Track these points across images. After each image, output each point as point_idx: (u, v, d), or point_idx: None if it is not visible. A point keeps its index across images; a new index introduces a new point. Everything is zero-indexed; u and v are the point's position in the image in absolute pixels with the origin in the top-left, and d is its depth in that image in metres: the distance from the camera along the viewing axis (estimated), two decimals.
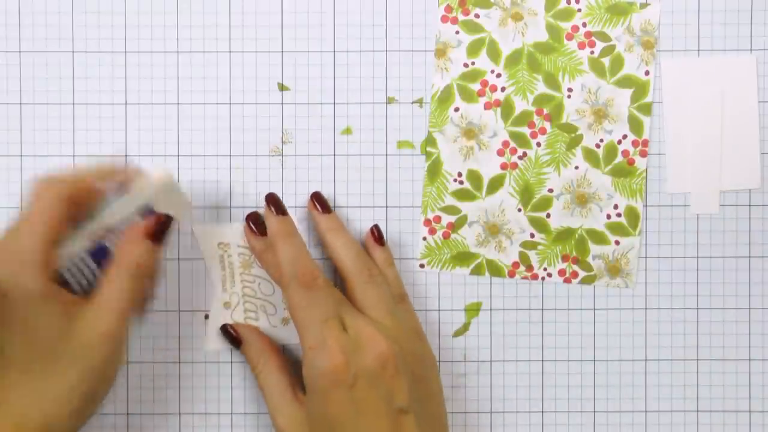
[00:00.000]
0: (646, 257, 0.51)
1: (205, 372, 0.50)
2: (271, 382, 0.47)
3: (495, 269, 0.51)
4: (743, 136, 0.51)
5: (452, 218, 0.50)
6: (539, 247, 0.50)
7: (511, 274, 0.51)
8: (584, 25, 0.50)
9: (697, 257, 0.51)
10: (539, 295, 0.51)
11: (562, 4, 0.50)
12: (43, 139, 0.50)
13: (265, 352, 0.48)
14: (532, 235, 0.50)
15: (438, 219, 0.50)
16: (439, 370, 0.51)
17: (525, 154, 0.50)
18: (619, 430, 0.51)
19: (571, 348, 0.51)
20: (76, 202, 0.43)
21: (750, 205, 0.51)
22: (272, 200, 0.48)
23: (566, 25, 0.50)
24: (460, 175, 0.50)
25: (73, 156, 0.50)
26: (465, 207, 0.50)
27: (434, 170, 0.50)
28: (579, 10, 0.50)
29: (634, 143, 0.50)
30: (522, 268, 0.51)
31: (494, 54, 0.50)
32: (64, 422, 0.41)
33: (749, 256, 0.51)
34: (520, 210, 0.50)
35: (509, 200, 0.50)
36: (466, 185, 0.50)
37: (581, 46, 0.50)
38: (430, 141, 0.50)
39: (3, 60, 0.50)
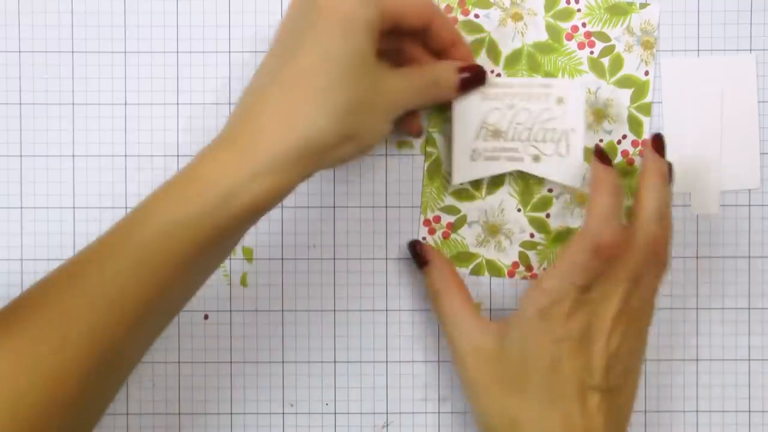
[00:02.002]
0: None
1: (205, 372, 0.50)
2: (457, 306, 0.47)
3: (494, 269, 0.51)
4: (743, 136, 0.51)
5: (452, 218, 0.50)
6: (539, 247, 0.50)
7: (511, 274, 0.51)
8: (584, 25, 0.50)
9: (697, 257, 0.51)
10: None
11: (562, 5, 0.50)
12: (43, 139, 0.50)
13: (451, 275, 0.48)
14: (532, 235, 0.50)
15: (437, 219, 0.50)
16: (438, 370, 0.51)
17: None
18: None
19: None
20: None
21: (750, 205, 0.51)
22: (599, 152, 0.46)
23: (566, 26, 0.50)
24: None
25: (73, 156, 0.50)
26: (464, 207, 0.50)
27: (434, 170, 0.50)
28: (579, 10, 0.50)
29: (634, 143, 0.50)
30: (522, 268, 0.51)
31: (494, 54, 0.50)
32: (323, 141, 0.40)
33: (749, 256, 0.51)
34: (519, 210, 0.50)
35: (509, 200, 0.50)
36: (466, 185, 0.50)
37: (581, 46, 0.50)
38: (429, 141, 0.50)
39: (3, 60, 0.50)
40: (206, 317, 0.50)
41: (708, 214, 0.51)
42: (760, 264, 0.51)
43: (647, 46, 0.50)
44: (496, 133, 0.48)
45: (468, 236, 0.51)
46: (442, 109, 0.50)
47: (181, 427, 0.50)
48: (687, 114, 0.51)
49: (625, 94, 0.50)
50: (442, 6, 0.50)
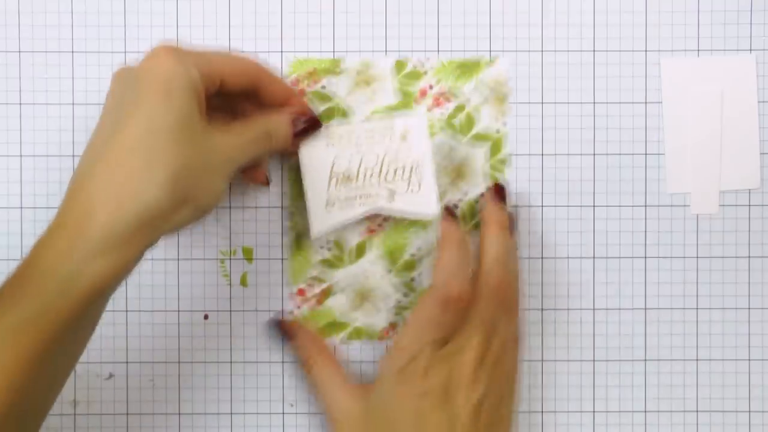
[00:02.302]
0: (645, 257, 0.51)
1: (205, 372, 0.50)
2: (325, 376, 0.48)
3: (367, 334, 0.50)
4: (743, 136, 0.51)
5: (321, 287, 0.50)
6: (410, 309, 0.50)
7: (384, 338, 0.50)
8: (433, 86, 0.50)
9: (697, 257, 0.51)
10: (538, 294, 0.51)
11: (410, 67, 0.50)
12: (43, 139, 0.50)
13: (316, 347, 0.49)
14: (402, 298, 0.50)
15: (307, 289, 0.50)
16: None
17: (387, 217, 0.50)
18: (618, 430, 0.51)
19: (570, 348, 0.51)
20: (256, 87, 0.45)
21: (750, 205, 0.51)
22: (447, 209, 0.48)
23: (416, 88, 0.50)
24: (326, 243, 0.50)
25: (73, 156, 0.50)
26: (333, 275, 0.50)
27: (298, 243, 0.50)
28: (427, 71, 0.50)
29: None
30: (394, 331, 0.50)
31: (346, 122, 0.50)
32: (158, 211, 0.40)
33: (749, 256, 0.51)
34: (387, 273, 0.50)
35: (376, 265, 0.50)
36: (332, 253, 0.50)
37: (432, 107, 0.50)
38: (291, 215, 0.50)
39: (3, 60, 0.50)
40: (206, 317, 0.50)
41: (708, 214, 0.51)
42: (760, 264, 0.51)
43: (499, 101, 0.50)
44: (348, 179, 0.48)
45: (339, 304, 0.50)
46: (298, 182, 0.50)
47: (181, 427, 0.50)
48: (687, 114, 0.51)
49: (480, 151, 0.50)
50: (291, 78, 0.50)
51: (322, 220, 0.48)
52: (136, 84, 0.41)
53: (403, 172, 0.48)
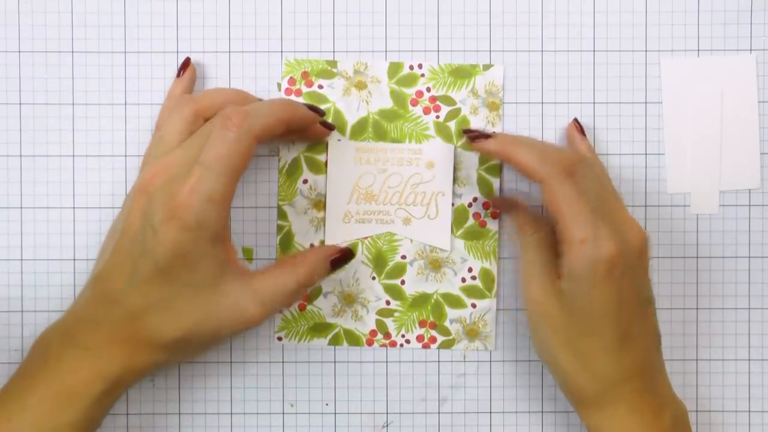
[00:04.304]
0: None
1: (204, 372, 0.50)
2: (538, 254, 0.46)
3: (353, 339, 0.50)
4: (743, 136, 0.51)
5: (307, 290, 0.50)
6: (396, 314, 0.50)
7: (369, 343, 0.50)
8: (428, 90, 0.50)
9: (697, 257, 0.51)
10: None
11: (405, 71, 0.50)
12: (43, 139, 0.50)
13: (545, 224, 0.47)
14: (388, 303, 0.50)
15: None
16: (439, 370, 0.51)
17: None
18: None
19: None
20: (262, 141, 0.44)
21: (750, 205, 0.51)
22: (474, 133, 0.47)
23: (410, 91, 0.50)
24: (312, 246, 0.50)
25: (73, 156, 0.50)
26: None
27: (286, 243, 0.50)
28: (422, 75, 0.50)
29: (485, 205, 0.50)
30: (380, 336, 0.50)
31: (340, 124, 0.50)
32: (181, 351, 0.45)
33: (749, 256, 0.51)
34: (374, 278, 0.50)
35: (363, 269, 0.50)
36: None
37: (426, 111, 0.50)
38: (280, 214, 0.50)
39: (3, 60, 0.50)
40: None
41: (708, 214, 0.51)
42: (760, 264, 0.51)
43: (493, 107, 0.50)
44: (369, 196, 0.49)
45: (324, 307, 0.50)
46: (292, 181, 0.50)
47: (181, 427, 0.50)
48: (687, 114, 0.51)
49: (473, 157, 0.50)
50: (286, 78, 0.50)
51: (337, 231, 0.49)
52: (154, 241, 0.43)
53: (423, 198, 0.49)
